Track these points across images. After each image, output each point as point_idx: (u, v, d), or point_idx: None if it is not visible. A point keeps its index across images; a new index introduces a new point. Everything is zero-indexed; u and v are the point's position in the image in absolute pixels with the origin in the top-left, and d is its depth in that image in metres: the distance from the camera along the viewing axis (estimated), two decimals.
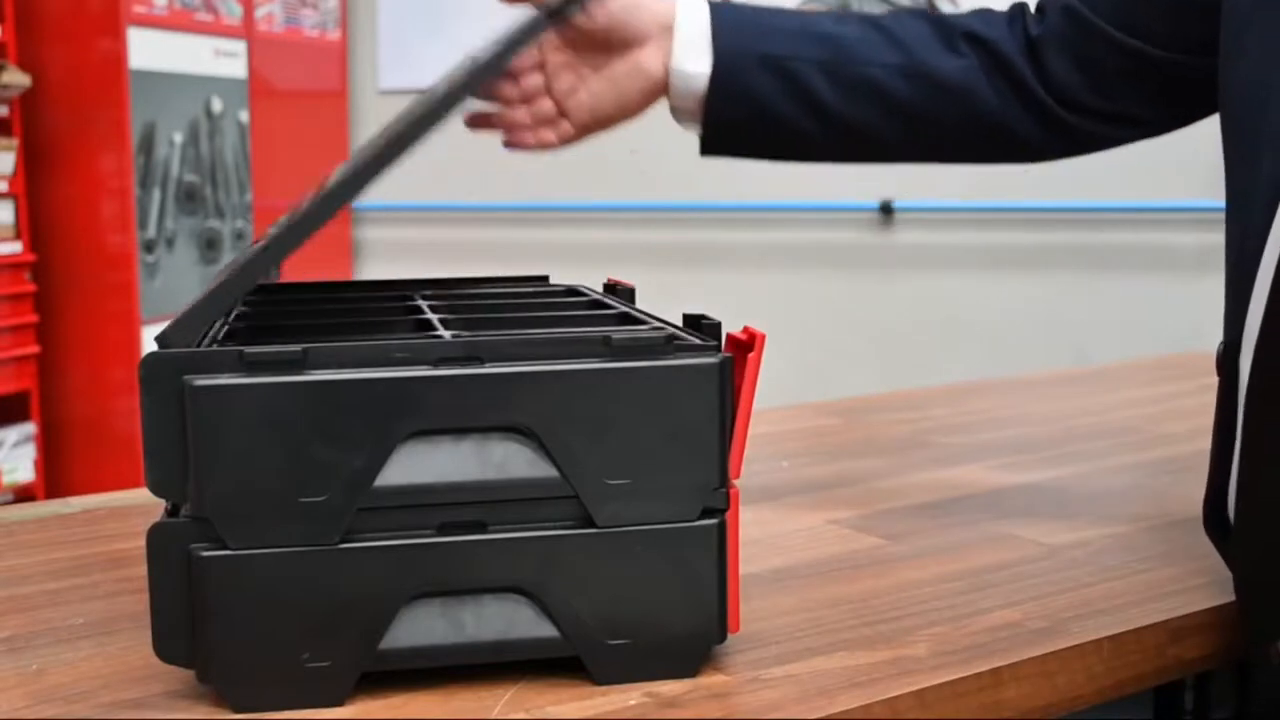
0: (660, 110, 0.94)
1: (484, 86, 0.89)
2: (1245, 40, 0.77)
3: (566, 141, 0.94)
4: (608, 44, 0.91)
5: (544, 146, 0.94)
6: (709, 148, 0.94)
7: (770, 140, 0.94)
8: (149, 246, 3.00)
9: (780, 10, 0.94)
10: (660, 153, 3.51)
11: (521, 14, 0.83)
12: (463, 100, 0.71)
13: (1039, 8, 0.94)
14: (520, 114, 0.94)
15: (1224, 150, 0.80)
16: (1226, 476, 0.78)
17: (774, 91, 0.91)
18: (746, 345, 0.64)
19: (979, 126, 0.93)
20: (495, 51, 0.76)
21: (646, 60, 0.91)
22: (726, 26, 0.91)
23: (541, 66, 0.93)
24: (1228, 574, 0.78)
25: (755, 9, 0.93)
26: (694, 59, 0.90)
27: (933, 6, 3.29)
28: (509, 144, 0.95)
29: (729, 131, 0.93)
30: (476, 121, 0.95)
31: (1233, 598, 0.77)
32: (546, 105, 0.93)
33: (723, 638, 0.66)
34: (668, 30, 0.91)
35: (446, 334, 0.67)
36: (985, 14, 0.94)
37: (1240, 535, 0.76)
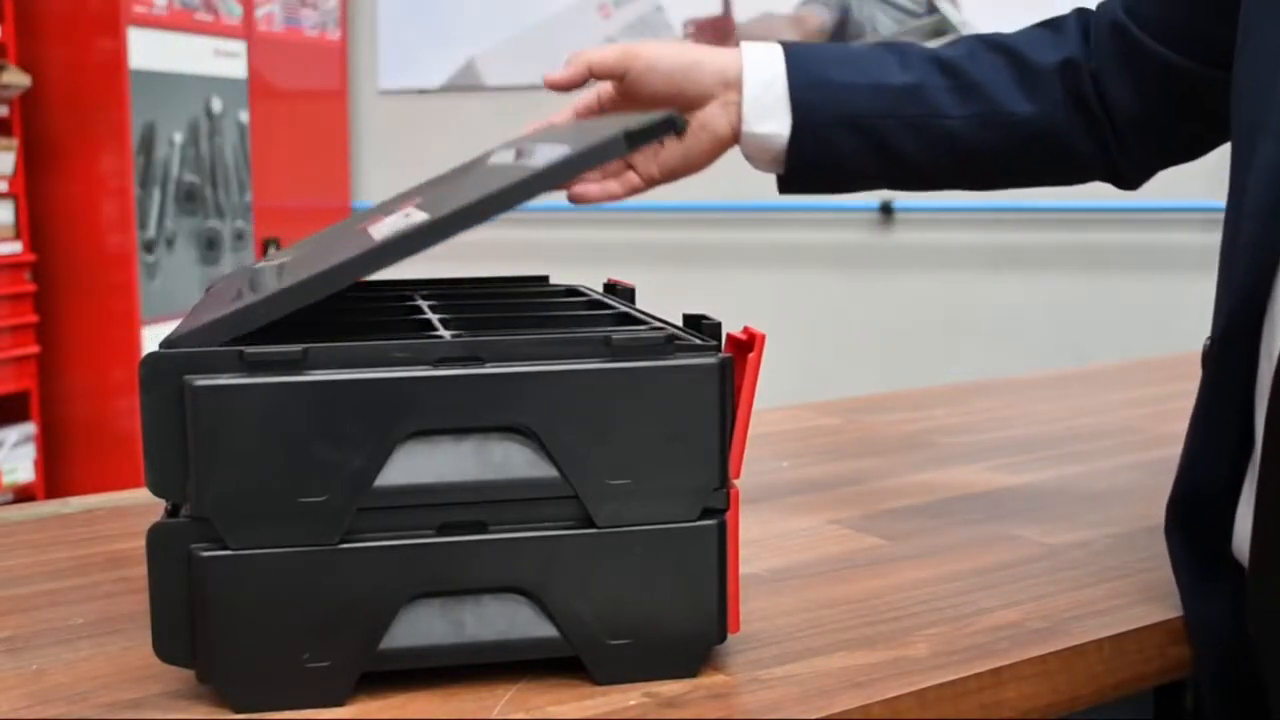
0: None
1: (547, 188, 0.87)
2: (1252, 36, 0.76)
3: (633, 193, 0.94)
4: (670, 106, 0.89)
5: (610, 198, 0.94)
6: (786, 190, 0.95)
7: (849, 185, 0.95)
8: (149, 246, 3.00)
9: (848, 59, 0.93)
10: None
11: (602, 127, 0.79)
12: (524, 201, 0.70)
13: (1083, 25, 0.92)
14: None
15: (1231, 145, 0.79)
16: (1214, 477, 0.75)
17: (855, 149, 0.91)
18: (746, 345, 0.64)
19: (1054, 163, 0.93)
20: (567, 163, 0.70)
21: (712, 120, 0.91)
22: (801, 87, 0.90)
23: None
24: None
25: (823, 60, 0.92)
26: (769, 121, 0.90)
27: (932, 6, 3.29)
28: (574, 197, 0.93)
29: (808, 182, 0.94)
30: None
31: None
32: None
33: (723, 638, 0.66)
34: (731, 87, 0.90)
35: (446, 334, 0.67)
36: (1046, 35, 0.93)
37: (1265, 568, 0.69)
